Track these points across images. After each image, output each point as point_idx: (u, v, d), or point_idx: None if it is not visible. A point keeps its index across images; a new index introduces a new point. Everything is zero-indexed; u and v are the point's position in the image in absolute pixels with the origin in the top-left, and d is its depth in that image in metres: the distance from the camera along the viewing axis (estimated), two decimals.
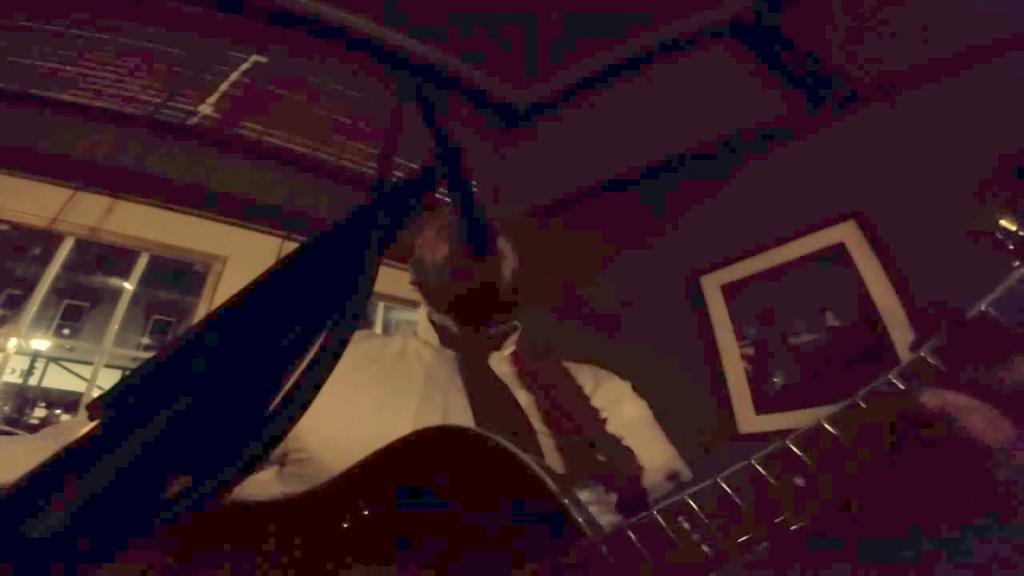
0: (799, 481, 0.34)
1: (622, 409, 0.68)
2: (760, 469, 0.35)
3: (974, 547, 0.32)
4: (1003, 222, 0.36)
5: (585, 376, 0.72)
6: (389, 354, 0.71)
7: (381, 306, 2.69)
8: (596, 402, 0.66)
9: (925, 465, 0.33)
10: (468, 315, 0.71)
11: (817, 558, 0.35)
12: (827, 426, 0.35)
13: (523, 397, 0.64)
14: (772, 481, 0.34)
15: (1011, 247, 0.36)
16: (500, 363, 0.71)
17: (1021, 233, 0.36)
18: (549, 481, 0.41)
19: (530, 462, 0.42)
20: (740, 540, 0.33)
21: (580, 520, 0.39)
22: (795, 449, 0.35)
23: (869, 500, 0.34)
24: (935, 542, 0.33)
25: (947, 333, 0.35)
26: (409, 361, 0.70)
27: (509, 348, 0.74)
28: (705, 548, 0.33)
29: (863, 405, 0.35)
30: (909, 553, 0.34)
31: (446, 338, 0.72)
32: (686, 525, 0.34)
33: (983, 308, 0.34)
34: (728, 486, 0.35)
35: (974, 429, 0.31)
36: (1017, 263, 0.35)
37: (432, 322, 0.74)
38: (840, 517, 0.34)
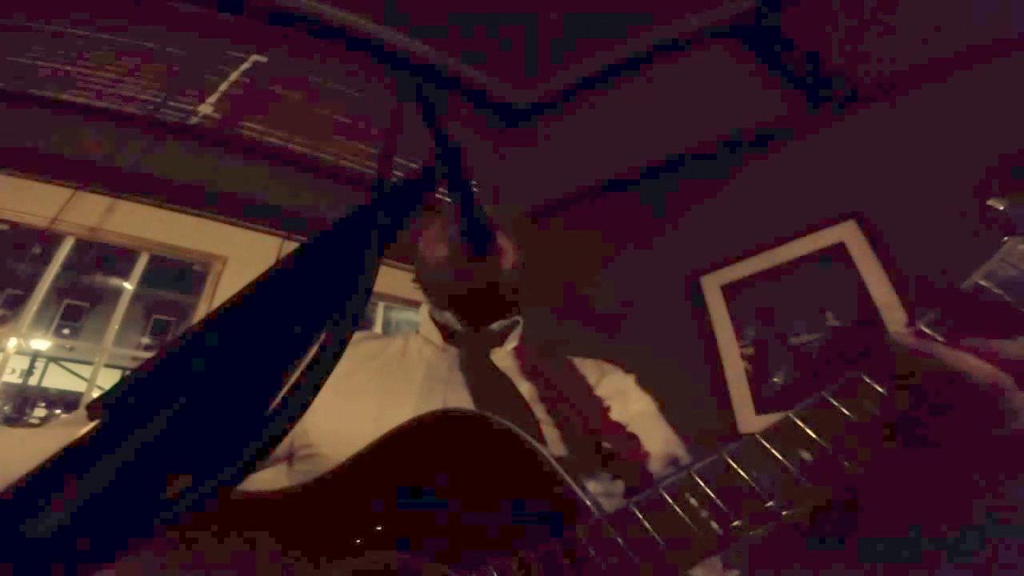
0: (806, 455, 0.33)
1: (627, 401, 0.68)
2: (766, 444, 0.34)
3: (974, 547, 0.32)
4: (991, 202, 0.38)
5: (589, 369, 0.72)
6: (391, 353, 0.72)
7: (381, 306, 2.69)
8: (599, 392, 0.66)
9: (925, 465, 0.33)
10: (469, 313, 0.72)
11: (817, 558, 0.35)
12: (829, 398, 0.34)
13: (525, 388, 0.64)
14: (779, 456, 0.33)
15: (999, 224, 0.37)
16: (503, 358, 0.71)
17: (1008, 212, 0.37)
18: (553, 460, 0.41)
19: (533, 442, 0.42)
20: (749, 517, 0.32)
21: (584, 498, 0.39)
22: (799, 422, 0.34)
23: (870, 498, 0.34)
24: (935, 542, 0.33)
25: (943, 306, 0.35)
26: (410, 359, 0.71)
27: (512, 343, 0.74)
28: (714, 525, 0.32)
29: (865, 379, 0.34)
30: (909, 553, 0.34)
31: (449, 336, 0.73)
32: (693, 502, 0.34)
33: (978, 281, 0.35)
34: (734, 461, 0.34)
35: (981, 374, 0.30)
36: (1006, 238, 0.36)
37: (434, 320, 0.75)
38: (840, 517, 0.34)
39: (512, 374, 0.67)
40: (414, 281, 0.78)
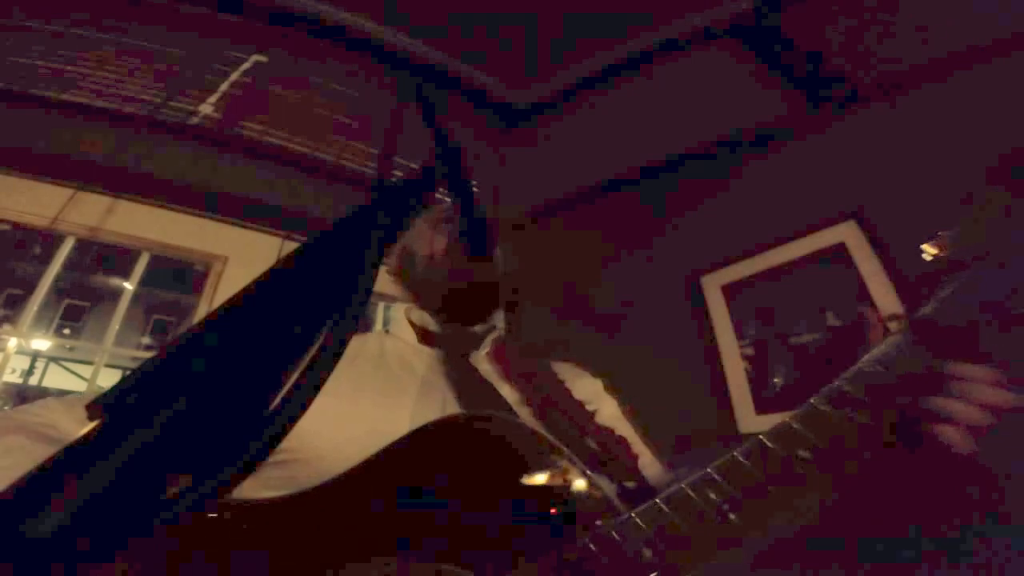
0: (804, 453, 0.37)
1: (602, 405, 0.69)
2: (769, 443, 0.38)
3: (974, 547, 0.32)
4: (926, 246, 0.45)
5: (564, 372, 0.72)
6: (368, 353, 0.70)
7: (381, 306, 2.68)
8: (577, 396, 0.66)
9: (925, 465, 0.34)
10: (460, 313, 0.71)
11: (817, 558, 0.36)
12: (818, 405, 0.39)
13: (507, 392, 0.64)
14: (782, 453, 0.37)
15: (940, 267, 0.44)
16: (480, 362, 0.70)
17: (942, 255, 0.44)
18: (577, 460, 0.42)
19: (554, 441, 0.44)
20: (763, 512, 0.35)
21: (608, 494, 0.40)
22: (795, 425, 0.39)
23: (868, 499, 0.34)
24: (935, 542, 0.33)
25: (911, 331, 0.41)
26: (390, 359, 0.70)
27: (486, 348, 0.73)
28: (732, 516, 0.35)
29: (847, 388, 0.40)
30: (909, 553, 0.34)
31: (423, 336, 0.72)
32: (713, 496, 0.37)
33: (926, 312, 0.41)
34: (745, 459, 0.38)
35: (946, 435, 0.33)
36: (945, 278, 0.43)
37: (410, 320, 0.74)
38: (840, 518, 0.34)
39: (492, 378, 0.66)
40: (393, 275, 0.77)
